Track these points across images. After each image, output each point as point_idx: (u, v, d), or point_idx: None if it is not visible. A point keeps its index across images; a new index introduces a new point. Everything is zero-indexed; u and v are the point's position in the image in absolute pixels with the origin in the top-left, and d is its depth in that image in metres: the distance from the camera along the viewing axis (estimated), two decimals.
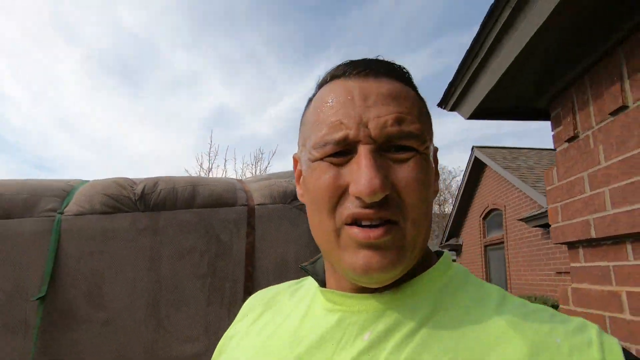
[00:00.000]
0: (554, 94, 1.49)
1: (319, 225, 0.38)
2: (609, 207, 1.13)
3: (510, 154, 7.74)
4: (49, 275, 1.16)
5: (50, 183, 1.34)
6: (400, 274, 0.36)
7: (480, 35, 1.42)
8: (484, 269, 8.29)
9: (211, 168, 11.79)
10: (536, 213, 5.30)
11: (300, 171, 0.43)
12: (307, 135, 0.39)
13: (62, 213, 1.24)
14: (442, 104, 1.93)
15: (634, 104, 1.10)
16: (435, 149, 0.43)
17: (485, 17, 1.35)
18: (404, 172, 0.35)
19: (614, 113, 1.18)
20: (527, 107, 1.73)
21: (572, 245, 1.35)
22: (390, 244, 0.35)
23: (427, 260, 0.42)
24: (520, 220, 5.84)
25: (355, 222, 0.35)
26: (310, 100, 0.43)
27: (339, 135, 0.35)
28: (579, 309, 1.27)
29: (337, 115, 0.36)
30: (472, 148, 8.39)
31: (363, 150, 0.35)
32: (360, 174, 0.33)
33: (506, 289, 6.07)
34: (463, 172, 9.54)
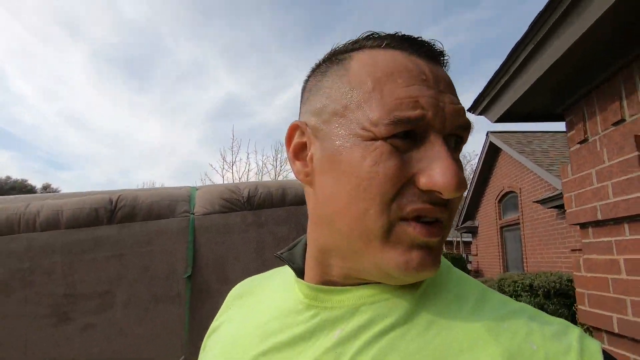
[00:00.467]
0: (568, 105, 1.84)
1: (361, 217, 0.32)
2: (611, 196, 1.50)
3: (525, 138, 7.97)
4: (191, 259, 1.58)
5: (176, 191, 1.74)
6: None
7: (510, 57, 1.76)
8: (501, 250, 8.63)
9: (234, 161, 12.23)
10: (551, 195, 5.61)
11: (304, 143, 0.38)
12: (350, 103, 0.33)
13: (193, 214, 1.64)
14: (472, 109, 2.28)
15: (629, 118, 1.45)
16: None
17: (517, 43, 1.69)
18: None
19: (615, 124, 1.53)
20: (544, 113, 2.07)
21: (583, 226, 1.72)
22: (440, 242, 0.33)
23: None
24: (536, 202, 6.15)
25: (415, 218, 0.31)
26: (339, 59, 0.36)
27: (414, 113, 0.31)
28: (589, 274, 1.65)
29: (410, 91, 0.31)
30: (487, 134, 8.63)
31: (439, 140, 0.31)
32: (444, 166, 0.30)
33: (522, 268, 6.43)
34: (478, 157, 9.79)
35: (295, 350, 0.34)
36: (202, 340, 1.32)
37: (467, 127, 0.34)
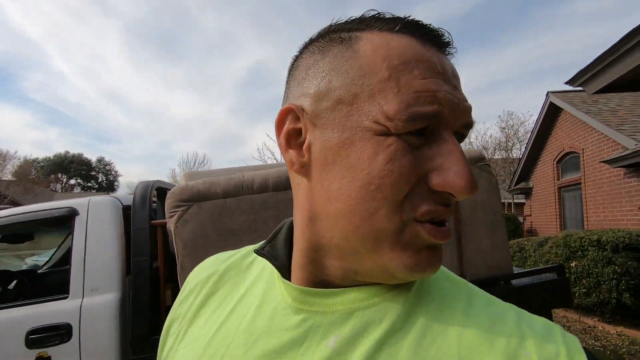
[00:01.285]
0: None
1: (370, 217, 0.30)
2: None
3: (590, 98, 7.80)
4: None
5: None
6: None
7: (619, 43, 2.06)
8: (558, 209, 8.75)
9: None
10: (622, 154, 5.67)
11: (298, 129, 0.34)
12: (361, 92, 0.30)
13: None
14: (571, 82, 2.58)
15: None
16: None
17: (627, 34, 1.98)
18: None
19: None
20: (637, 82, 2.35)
21: None
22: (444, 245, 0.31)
23: None
24: (603, 162, 6.21)
25: (429, 220, 0.30)
26: (343, 38, 0.33)
27: (432, 109, 0.29)
28: None
29: (428, 84, 0.29)
30: (547, 93, 8.48)
31: (451, 137, 0.30)
32: (459, 167, 0.29)
33: (582, 227, 6.62)
34: (534, 117, 9.63)
35: (286, 358, 0.32)
36: None
37: (471, 125, 0.33)
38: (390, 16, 0.33)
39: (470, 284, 0.37)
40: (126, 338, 1.91)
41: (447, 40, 0.33)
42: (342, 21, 0.34)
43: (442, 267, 0.38)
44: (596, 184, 6.96)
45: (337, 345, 0.31)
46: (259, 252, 0.41)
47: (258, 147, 25.04)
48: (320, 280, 0.36)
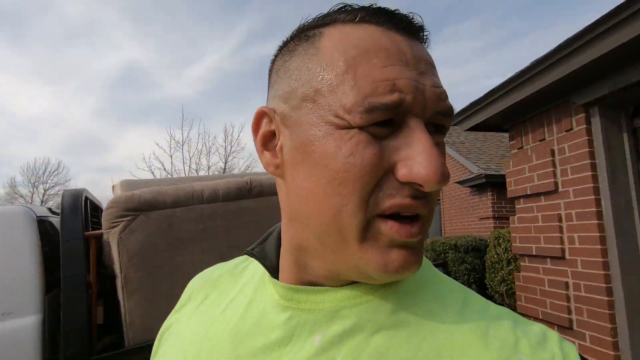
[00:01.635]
0: (512, 125, 3.03)
1: (336, 214, 0.29)
2: (535, 180, 2.71)
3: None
4: None
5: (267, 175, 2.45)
6: None
7: (484, 98, 2.86)
8: None
9: (185, 141, 12.05)
10: (469, 177, 7.32)
11: (272, 132, 0.34)
12: (321, 87, 0.30)
13: None
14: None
15: (547, 138, 2.66)
16: None
17: (489, 91, 2.78)
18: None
19: (540, 140, 2.73)
20: (497, 127, 3.26)
21: (517, 198, 2.94)
22: (421, 240, 0.31)
23: None
24: (457, 182, 7.88)
25: (393, 214, 0.29)
26: (308, 36, 0.33)
27: (391, 98, 0.28)
28: (520, 225, 2.88)
29: (387, 72, 0.28)
30: None
31: (418, 125, 0.29)
32: (425, 156, 0.27)
33: (441, 234, 8.19)
34: None
35: (271, 356, 0.32)
36: None
37: (449, 113, 0.31)
38: (357, 7, 0.32)
39: (467, 289, 0.36)
40: None
41: (417, 25, 0.32)
42: (311, 18, 0.34)
43: (437, 271, 0.38)
44: (450, 200, 8.71)
45: (322, 343, 0.31)
46: (248, 252, 0.41)
47: (144, 156, 22.51)
48: (307, 280, 0.35)
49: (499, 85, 2.69)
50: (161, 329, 0.45)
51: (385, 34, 0.30)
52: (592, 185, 2.29)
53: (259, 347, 0.33)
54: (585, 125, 2.34)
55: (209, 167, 11.55)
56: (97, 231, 1.95)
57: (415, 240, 0.30)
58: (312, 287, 0.34)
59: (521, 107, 2.72)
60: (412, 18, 0.32)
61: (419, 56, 0.30)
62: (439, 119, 0.31)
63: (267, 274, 0.39)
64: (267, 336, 0.33)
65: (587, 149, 2.32)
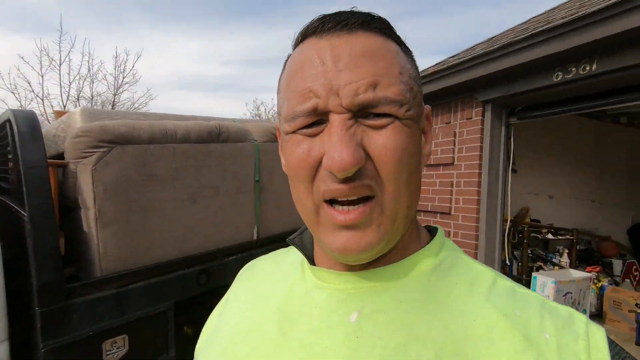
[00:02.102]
0: None
1: (298, 201, 0.36)
2: (439, 154, 3.47)
3: None
4: (258, 169, 2.54)
5: (233, 122, 2.53)
6: (384, 250, 0.35)
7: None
8: None
9: (63, 61, 9.82)
10: None
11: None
12: (281, 105, 0.37)
13: (256, 140, 2.52)
14: None
15: (452, 122, 3.40)
16: (427, 109, 0.39)
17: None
18: (381, 140, 0.33)
19: (443, 124, 3.47)
20: None
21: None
22: (369, 222, 0.33)
23: (419, 237, 0.40)
24: None
25: (332, 199, 0.33)
26: (285, 63, 0.38)
27: (307, 106, 0.33)
28: (422, 188, 3.68)
29: (305, 82, 0.33)
30: None
31: (335, 120, 0.32)
32: (330, 147, 0.32)
33: None
34: None
35: (314, 333, 0.35)
36: (268, 216, 2.52)
37: (377, 102, 0.32)
38: (310, 22, 0.36)
39: (497, 272, 0.37)
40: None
41: (344, 21, 0.34)
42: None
43: (465, 256, 0.39)
44: None
45: (358, 320, 0.33)
46: (290, 240, 0.44)
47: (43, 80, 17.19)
48: (330, 261, 0.39)
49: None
50: (211, 318, 0.50)
51: (311, 43, 0.34)
52: (478, 162, 3.11)
53: (301, 323, 0.36)
54: (481, 117, 3.13)
55: (92, 97, 9.83)
56: (60, 160, 1.83)
57: (357, 223, 0.32)
58: (346, 272, 0.37)
59: (433, 96, 3.39)
60: (342, 15, 0.34)
61: (339, 54, 0.33)
62: (370, 109, 0.33)
63: (305, 260, 0.43)
64: (310, 315, 0.36)
65: (479, 135, 3.12)
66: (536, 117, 2.99)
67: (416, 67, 0.38)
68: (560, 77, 2.38)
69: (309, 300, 0.38)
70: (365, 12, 0.35)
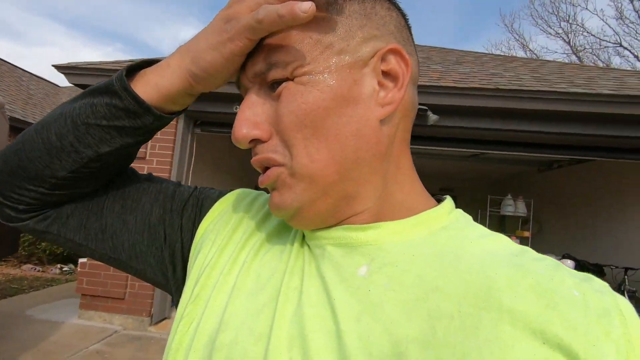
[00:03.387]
0: None
1: None
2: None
3: None
4: None
5: None
6: (325, 207, 0.34)
7: None
8: None
9: None
10: None
11: None
12: None
13: None
14: None
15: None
16: (382, 49, 0.34)
17: None
18: (277, 109, 0.33)
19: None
20: None
21: None
22: (281, 185, 0.34)
23: (427, 201, 0.38)
24: None
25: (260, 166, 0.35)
26: None
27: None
28: None
29: None
30: None
31: (245, 96, 0.35)
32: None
33: None
34: None
35: (329, 288, 0.32)
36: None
37: (268, 69, 0.33)
38: None
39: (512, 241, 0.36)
40: None
41: None
42: None
43: (476, 224, 0.37)
44: None
45: (368, 273, 0.32)
46: None
47: None
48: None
49: None
50: (203, 228, 0.44)
51: None
52: (170, 159, 3.72)
53: (308, 276, 0.34)
54: (175, 122, 3.76)
55: None
56: None
57: (268, 185, 0.35)
58: (354, 225, 0.35)
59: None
60: None
61: (256, 48, 0.34)
62: (268, 77, 0.33)
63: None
64: (317, 275, 0.34)
65: (173, 137, 3.74)
66: (213, 132, 4.04)
67: (350, 11, 0.34)
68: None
69: (314, 256, 0.36)
70: None
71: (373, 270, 0.32)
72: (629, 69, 12.03)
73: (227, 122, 3.90)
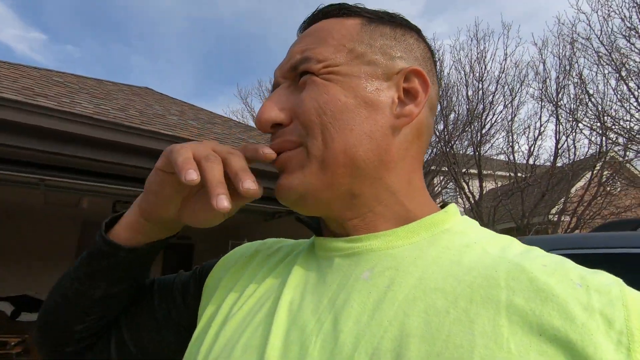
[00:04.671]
0: None
1: None
2: None
3: None
4: None
5: None
6: (326, 202, 0.36)
7: None
8: None
9: None
10: None
11: None
12: None
13: None
14: None
15: None
16: (407, 69, 0.38)
17: None
18: (300, 97, 0.36)
19: None
20: None
21: None
22: (294, 165, 0.36)
23: (430, 205, 0.40)
24: None
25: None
26: None
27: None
28: None
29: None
30: None
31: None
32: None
33: None
34: None
35: (329, 291, 0.34)
36: None
37: (301, 62, 0.37)
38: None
39: (513, 238, 0.37)
40: None
41: (311, 18, 0.42)
42: None
43: (481, 227, 0.39)
44: None
45: (370, 277, 0.34)
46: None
47: None
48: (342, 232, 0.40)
49: None
50: (210, 281, 0.46)
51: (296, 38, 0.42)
52: None
53: (314, 285, 0.36)
54: None
55: None
56: None
57: (279, 167, 0.38)
58: (347, 236, 0.38)
59: None
60: (309, 17, 0.42)
61: (295, 45, 0.40)
62: (298, 70, 0.38)
63: (315, 238, 0.42)
64: (324, 282, 0.36)
65: None
66: None
67: (383, 32, 0.39)
68: None
69: (317, 267, 0.38)
70: (334, 4, 0.41)
71: (375, 274, 0.34)
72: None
73: None
